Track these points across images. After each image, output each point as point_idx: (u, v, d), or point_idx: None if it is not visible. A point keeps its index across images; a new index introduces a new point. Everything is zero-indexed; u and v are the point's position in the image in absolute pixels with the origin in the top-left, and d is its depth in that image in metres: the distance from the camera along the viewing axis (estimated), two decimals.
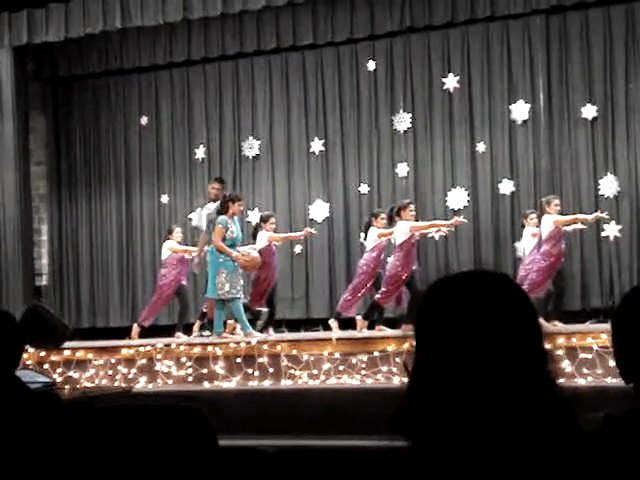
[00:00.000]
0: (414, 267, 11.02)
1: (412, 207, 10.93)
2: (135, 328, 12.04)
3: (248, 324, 10.77)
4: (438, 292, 1.53)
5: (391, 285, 10.80)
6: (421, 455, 1.46)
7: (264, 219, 11.74)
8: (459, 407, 1.43)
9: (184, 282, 12.29)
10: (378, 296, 10.87)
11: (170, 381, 10.09)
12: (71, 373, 10.46)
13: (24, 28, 12.49)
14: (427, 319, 1.50)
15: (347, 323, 11.27)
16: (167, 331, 12.09)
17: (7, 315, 2.95)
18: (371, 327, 10.97)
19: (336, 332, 10.82)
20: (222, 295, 10.85)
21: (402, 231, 10.72)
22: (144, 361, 10.27)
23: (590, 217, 10.99)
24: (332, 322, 11.20)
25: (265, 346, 9.85)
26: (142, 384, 10.09)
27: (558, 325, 10.08)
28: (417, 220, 11.22)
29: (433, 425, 1.45)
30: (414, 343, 1.52)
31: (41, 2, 12.44)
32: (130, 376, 10.25)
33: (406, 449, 1.48)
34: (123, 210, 14.48)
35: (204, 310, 11.87)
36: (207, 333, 11.57)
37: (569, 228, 11.02)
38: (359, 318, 11.06)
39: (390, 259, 10.94)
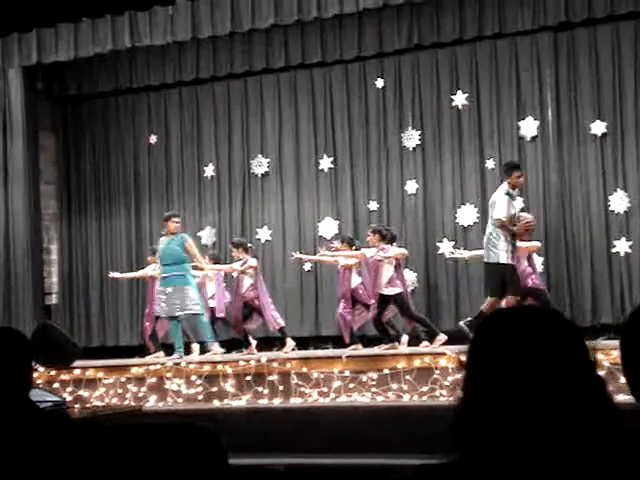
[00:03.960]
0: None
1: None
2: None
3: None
4: (494, 323, 1.66)
5: None
6: (473, 471, 1.56)
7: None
8: (512, 428, 1.54)
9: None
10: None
11: (180, 399, 10.08)
12: (81, 392, 10.46)
13: (34, 48, 12.55)
14: (483, 349, 1.63)
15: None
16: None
17: (17, 333, 2.94)
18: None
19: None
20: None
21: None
22: (154, 380, 10.26)
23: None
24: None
25: (275, 364, 9.83)
26: (152, 403, 10.08)
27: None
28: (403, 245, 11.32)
29: (486, 443, 1.55)
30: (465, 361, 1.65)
31: (50, 22, 12.50)
32: (140, 395, 10.24)
33: (444, 465, 1.60)
34: (133, 228, 14.51)
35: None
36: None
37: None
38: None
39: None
